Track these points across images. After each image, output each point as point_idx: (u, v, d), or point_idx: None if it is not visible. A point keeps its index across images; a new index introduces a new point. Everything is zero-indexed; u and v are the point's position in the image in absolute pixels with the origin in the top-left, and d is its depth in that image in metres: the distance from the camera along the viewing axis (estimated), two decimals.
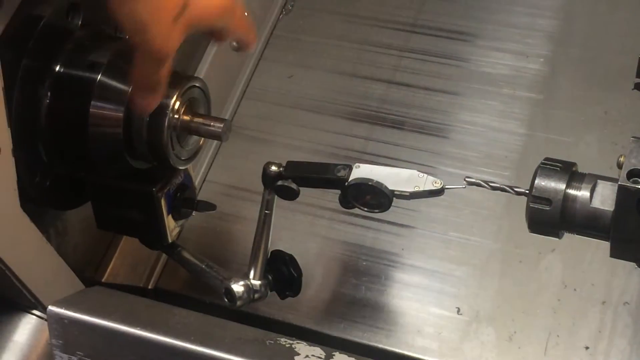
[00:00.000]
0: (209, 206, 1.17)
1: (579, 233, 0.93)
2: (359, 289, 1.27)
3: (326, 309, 1.26)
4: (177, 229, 1.15)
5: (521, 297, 1.22)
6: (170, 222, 1.12)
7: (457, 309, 1.23)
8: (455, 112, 1.39)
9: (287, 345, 0.84)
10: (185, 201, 1.13)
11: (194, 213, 1.16)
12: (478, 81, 1.41)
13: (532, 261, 1.25)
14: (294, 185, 1.02)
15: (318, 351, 0.84)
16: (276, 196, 1.05)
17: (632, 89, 0.87)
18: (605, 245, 1.21)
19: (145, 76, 0.99)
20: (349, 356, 0.84)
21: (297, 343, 0.85)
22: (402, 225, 1.31)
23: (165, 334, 0.87)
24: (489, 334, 1.21)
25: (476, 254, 1.27)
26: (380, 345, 1.22)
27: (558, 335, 1.19)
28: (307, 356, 0.83)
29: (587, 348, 1.17)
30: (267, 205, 1.07)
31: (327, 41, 1.49)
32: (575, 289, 1.22)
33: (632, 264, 1.19)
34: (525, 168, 1.30)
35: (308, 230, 1.32)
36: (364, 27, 1.50)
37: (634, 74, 1.37)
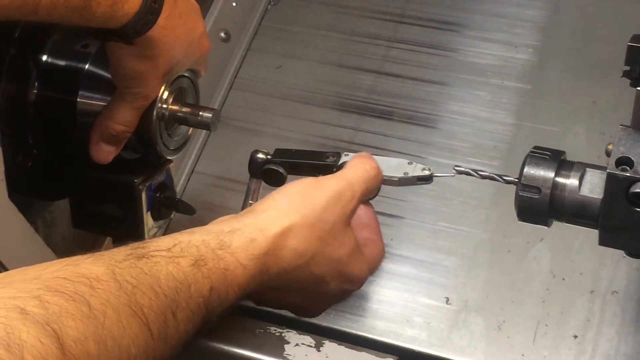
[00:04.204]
0: (188, 208, 1.17)
1: (568, 221, 0.93)
2: None
3: None
4: (155, 230, 1.14)
5: (510, 287, 1.22)
6: (148, 220, 1.12)
7: (446, 299, 1.23)
8: (444, 102, 1.39)
9: (277, 334, 0.84)
10: (165, 200, 1.13)
11: (172, 215, 1.16)
12: (466, 71, 1.41)
13: (520, 251, 1.25)
14: (281, 169, 1.01)
15: (308, 339, 0.83)
16: (261, 187, 1.04)
17: (621, 77, 0.87)
18: (593, 235, 1.21)
19: (115, 124, 1.03)
20: (339, 344, 0.84)
21: (287, 332, 0.85)
22: (390, 216, 1.30)
23: None
24: (478, 323, 1.21)
25: (465, 243, 1.27)
26: (369, 335, 1.22)
27: (547, 325, 1.19)
28: (297, 344, 0.83)
29: (575, 337, 1.17)
30: (252, 195, 1.06)
31: (315, 32, 1.49)
32: (563, 278, 1.22)
33: (620, 253, 1.20)
34: (514, 158, 1.31)
35: None
36: (352, 17, 1.50)
37: (622, 64, 1.37)
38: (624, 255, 1.20)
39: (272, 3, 1.52)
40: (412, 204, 1.31)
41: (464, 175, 0.99)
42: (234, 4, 1.47)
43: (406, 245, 1.28)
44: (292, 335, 0.84)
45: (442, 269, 1.26)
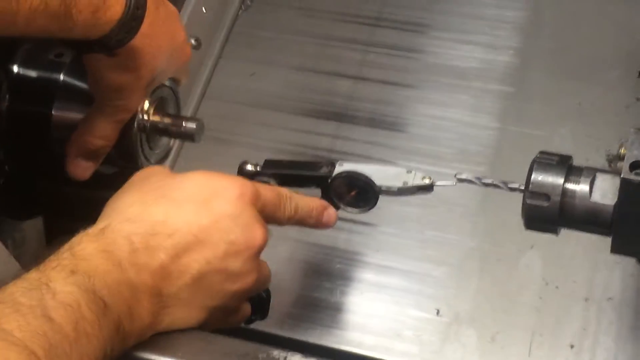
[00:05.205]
0: None
1: (578, 229, 0.89)
2: (333, 292, 1.22)
3: (300, 314, 1.21)
4: None
5: (502, 296, 1.19)
6: None
7: (436, 311, 1.19)
8: (426, 107, 1.36)
9: (281, 359, 0.79)
10: None
11: None
12: (447, 75, 1.38)
13: (510, 259, 1.21)
14: (272, 181, 0.97)
15: None
16: None
17: (638, 77, 0.84)
18: (585, 240, 1.19)
19: (94, 138, 0.99)
20: None
21: (292, 355, 0.80)
22: (375, 225, 1.26)
23: (149, 349, 0.81)
24: (470, 335, 1.17)
25: (453, 253, 1.23)
26: (357, 351, 1.17)
27: (542, 335, 1.15)
28: None
29: (572, 347, 1.14)
30: None
31: (289, 37, 1.45)
32: (557, 286, 1.19)
33: (614, 259, 1.17)
34: (500, 162, 1.29)
35: (277, 234, 1.25)
36: (326, 21, 1.46)
37: (607, 65, 1.36)
38: (618, 260, 1.18)
39: (243, 8, 1.48)
40: (396, 212, 1.26)
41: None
42: (204, 10, 1.41)
43: (392, 256, 1.24)
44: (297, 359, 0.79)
45: (430, 280, 1.21)
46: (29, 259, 1.15)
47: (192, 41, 1.38)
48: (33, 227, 1.14)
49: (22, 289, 0.74)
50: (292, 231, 1.25)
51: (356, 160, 1.26)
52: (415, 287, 1.21)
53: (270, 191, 0.93)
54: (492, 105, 1.34)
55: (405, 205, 1.26)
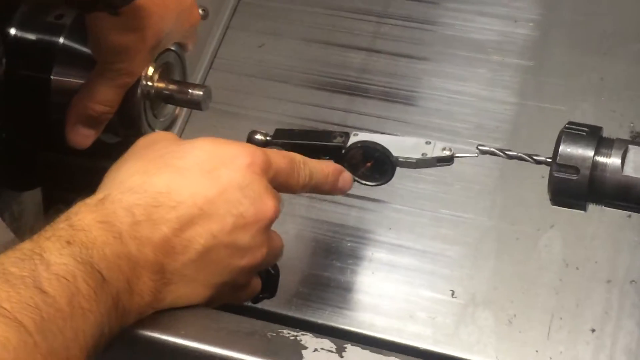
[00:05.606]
0: None
1: (608, 205, 0.85)
2: (343, 272, 1.18)
3: (308, 294, 1.17)
4: None
5: (520, 278, 1.15)
6: None
7: (451, 292, 1.15)
8: (441, 81, 1.31)
9: (292, 338, 0.75)
10: None
11: None
12: (464, 48, 1.33)
13: (529, 238, 1.17)
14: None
15: (327, 344, 0.74)
16: None
17: None
18: (607, 220, 1.15)
19: (95, 103, 0.94)
20: (362, 348, 0.75)
21: (303, 335, 0.75)
22: (387, 203, 1.22)
23: (150, 327, 0.77)
24: (487, 318, 1.13)
25: (469, 232, 1.19)
26: (368, 333, 1.14)
27: (561, 318, 1.11)
28: (316, 350, 0.74)
29: (593, 330, 1.10)
30: None
31: (299, 7, 1.40)
32: (577, 268, 1.14)
33: (637, 240, 1.13)
34: (518, 138, 1.24)
35: (285, 210, 1.20)
36: None
37: (630, 38, 1.31)
38: None
39: None
40: (410, 189, 1.22)
41: (482, 156, 0.90)
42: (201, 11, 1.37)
43: (406, 235, 1.20)
44: (308, 339, 0.74)
45: (445, 260, 1.17)
46: (27, 232, 1.11)
47: (200, 11, 1.34)
48: (31, 199, 1.10)
49: (14, 259, 0.70)
50: (301, 208, 1.22)
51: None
52: (429, 267, 1.17)
53: (282, 157, 0.88)
54: (510, 80, 1.30)
55: (420, 182, 1.22)
